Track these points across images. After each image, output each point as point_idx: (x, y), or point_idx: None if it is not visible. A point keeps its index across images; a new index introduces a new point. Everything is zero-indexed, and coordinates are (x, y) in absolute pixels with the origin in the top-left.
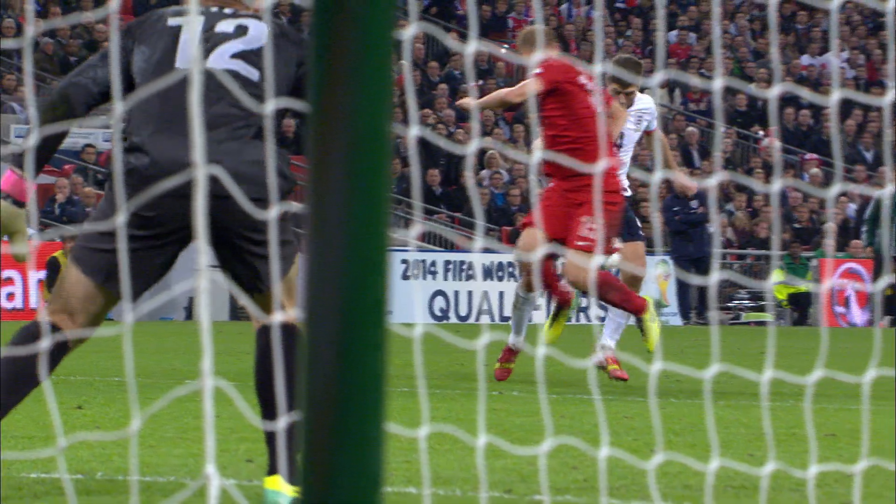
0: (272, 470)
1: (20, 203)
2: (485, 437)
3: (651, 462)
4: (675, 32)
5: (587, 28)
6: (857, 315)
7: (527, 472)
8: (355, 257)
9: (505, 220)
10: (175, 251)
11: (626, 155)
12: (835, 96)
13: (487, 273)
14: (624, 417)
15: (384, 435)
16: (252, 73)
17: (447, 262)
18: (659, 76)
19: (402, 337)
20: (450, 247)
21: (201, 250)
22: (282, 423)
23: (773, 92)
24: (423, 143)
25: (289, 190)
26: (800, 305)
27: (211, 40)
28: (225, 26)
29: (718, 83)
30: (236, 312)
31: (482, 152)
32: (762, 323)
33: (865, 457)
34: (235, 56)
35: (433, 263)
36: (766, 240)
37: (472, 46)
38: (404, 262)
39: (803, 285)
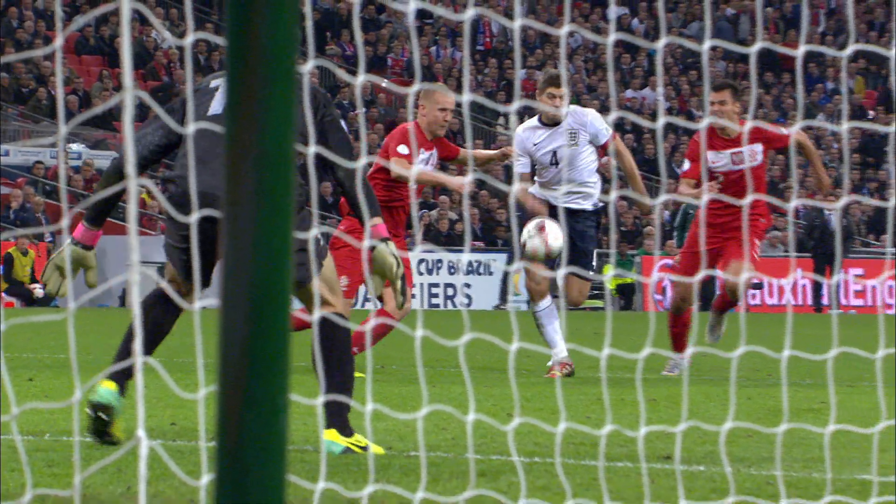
0: (328, 426)
1: (88, 247)
2: (371, 405)
3: (509, 425)
4: (524, 70)
5: (452, 66)
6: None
7: (404, 433)
8: (263, 253)
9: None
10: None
11: (568, 173)
12: (660, 122)
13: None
14: (484, 387)
15: (287, 402)
16: None
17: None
18: (515, 105)
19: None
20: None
21: (133, 248)
22: (328, 393)
23: (609, 118)
24: (320, 160)
25: (301, 204)
26: (626, 294)
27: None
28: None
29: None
30: None
31: (369, 166)
32: (597, 308)
33: (684, 420)
34: None
35: None
36: (599, 239)
37: (361, 78)
38: None
39: (629, 277)
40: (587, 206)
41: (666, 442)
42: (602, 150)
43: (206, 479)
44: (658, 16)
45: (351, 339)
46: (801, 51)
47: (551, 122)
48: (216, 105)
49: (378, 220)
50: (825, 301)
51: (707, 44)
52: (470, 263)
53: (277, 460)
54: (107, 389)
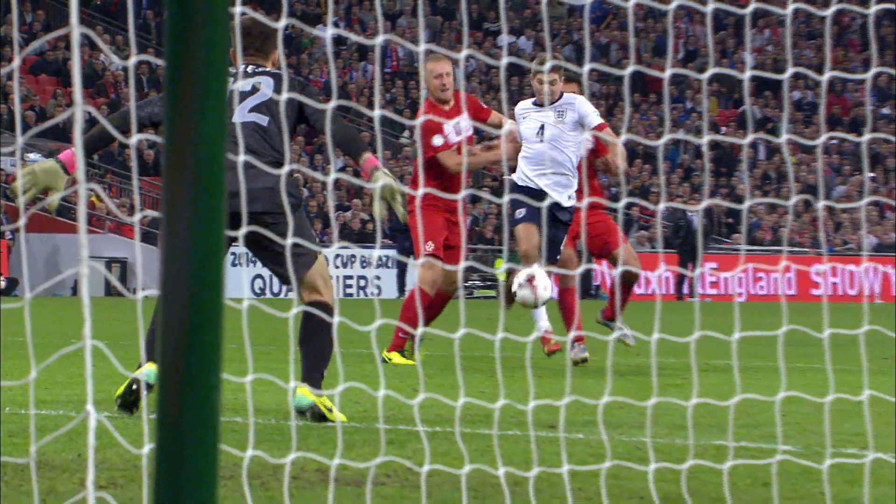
0: (303, 381)
1: (66, 170)
2: (293, 382)
3: (414, 399)
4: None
5: (364, 86)
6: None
7: (321, 426)
8: (198, 250)
9: None
10: (253, 246)
11: (551, 152)
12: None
13: None
14: (393, 365)
15: (220, 379)
16: (262, 120)
17: None
18: (419, 119)
19: (232, 308)
20: None
21: (82, 245)
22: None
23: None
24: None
25: (297, 205)
26: None
27: (236, 99)
28: (243, 85)
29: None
30: (109, 290)
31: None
32: (490, 297)
33: (567, 394)
34: (251, 110)
35: (254, 257)
36: (490, 239)
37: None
38: (234, 254)
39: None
40: (563, 199)
41: (551, 413)
42: (595, 151)
43: (147, 447)
44: (544, 44)
45: (330, 324)
46: (667, 73)
47: (541, 104)
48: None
49: (368, 154)
50: (686, 290)
51: (587, 66)
52: (380, 258)
53: (211, 431)
54: (153, 371)
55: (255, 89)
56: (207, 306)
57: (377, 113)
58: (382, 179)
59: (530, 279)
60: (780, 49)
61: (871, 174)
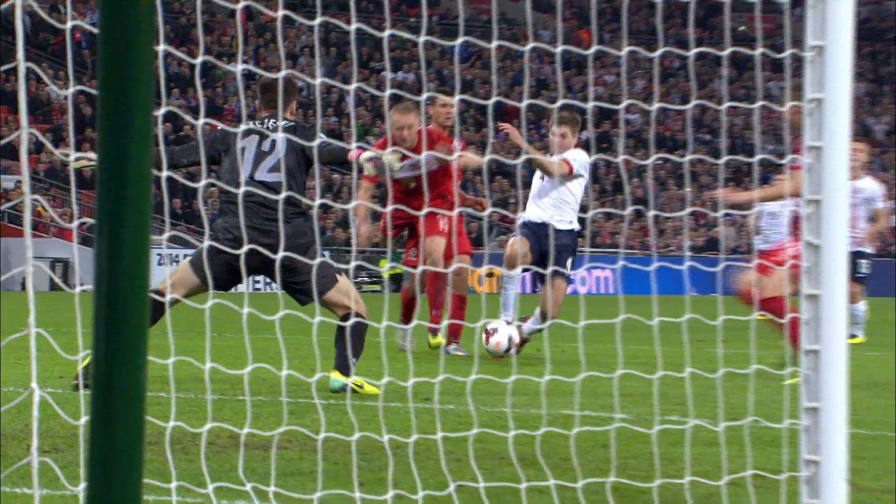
0: (335, 368)
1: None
2: (210, 364)
3: (312, 377)
4: (323, 118)
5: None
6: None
7: (235, 382)
8: (127, 250)
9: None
10: (256, 271)
11: (550, 188)
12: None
13: None
14: (294, 349)
15: (145, 361)
16: (279, 177)
17: (186, 255)
18: (316, 142)
19: (157, 301)
20: (186, 245)
21: (27, 247)
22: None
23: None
24: (170, 180)
25: (311, 243)
26: (397, 280)
27: (258, 158)
28: (266, 145)
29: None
30: (53, 286)
31: (211, 185)
32: (376, 292)
33: (441, 372)
34: (270, 170)
35: (177, 256)
36: (376, 243)
37: (202, 121)
38: (159, 255)
39: (400, 268)
40: (563, 224)
41: (427, 388)
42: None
43: (84, 419)
44: (422, 79)
45: (364, 327)
46: (524, 104)
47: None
48: (245, 170)
49: (350, 150)
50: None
51: (457, 97)
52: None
53: (138, 404)
54: None
55: (272, 148)
56: (134, 299)
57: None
58: (384, 156)
59: (492, 331)
60: (618, 84)
61: (689, 188)
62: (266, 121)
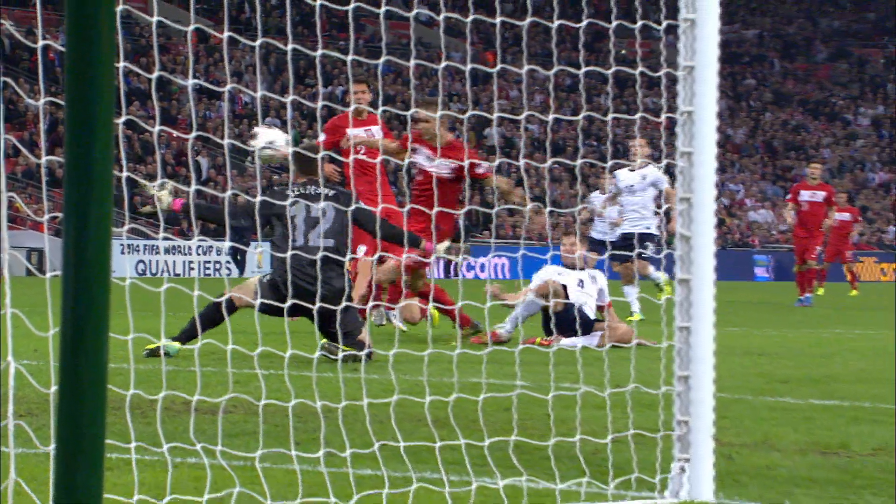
0: (343, 343)
1: (171, 205)
2: (165, 340)
3: (254, 352)
4: (267, 121)
5: (220, 124)
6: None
7: (187, 356)
8: (91, 241)
9: (175, 223)
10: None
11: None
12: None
13: (167, 251)
14: (240, 326)
15: (107, 337)
16: (330, 242)
17: (145, 245)
18: (257, 149)
19: (118, 286)
20: (145, 236)
21: (3, 238)
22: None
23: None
24: (130, 181)
25: (349, 290)
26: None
27: (310, 223)
28: (315, 212)
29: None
30: (28, 272)
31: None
32: None
33: (367, 346)
34: (324, 235)
35: (137, 246)
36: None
37: (157, 128)
38: (121, 244)
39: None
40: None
41: (354, 360)
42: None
43: (54, 387)
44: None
45: (358, 315)
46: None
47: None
48: (298, 237)
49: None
50: (452, 272)
51: (380, 109)
52: (231, 248)
53: (100, 374)
54: (173, 347)
55: (322, 214)
56: (97, 283)
57: (227, 142)
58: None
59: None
60: (519, 98)
61: (580, 187)
62: (306, 187)
